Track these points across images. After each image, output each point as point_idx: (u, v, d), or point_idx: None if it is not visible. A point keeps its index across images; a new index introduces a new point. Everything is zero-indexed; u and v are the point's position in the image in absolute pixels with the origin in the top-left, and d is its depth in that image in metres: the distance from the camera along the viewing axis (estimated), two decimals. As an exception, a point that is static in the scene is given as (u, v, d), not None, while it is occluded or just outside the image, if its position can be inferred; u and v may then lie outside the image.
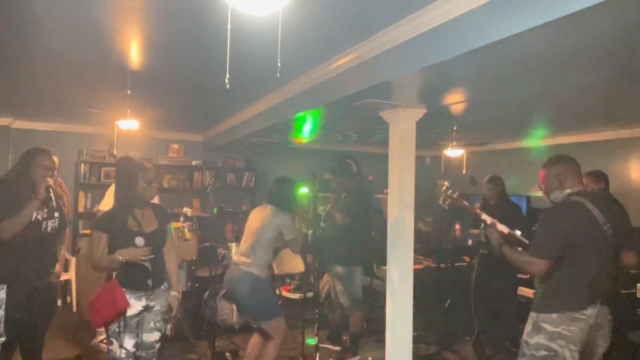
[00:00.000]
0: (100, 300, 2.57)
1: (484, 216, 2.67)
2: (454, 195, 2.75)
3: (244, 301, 3.40)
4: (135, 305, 2.62)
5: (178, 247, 4.18)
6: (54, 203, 3.09)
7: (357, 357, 4.25)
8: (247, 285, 3.31)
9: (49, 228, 3.04)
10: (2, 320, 2.85)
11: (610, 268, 2.42)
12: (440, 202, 2.79)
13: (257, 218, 3.50)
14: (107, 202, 4.30)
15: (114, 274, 2.68)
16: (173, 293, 2.79)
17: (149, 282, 2.62)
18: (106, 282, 2.68)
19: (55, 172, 3.12)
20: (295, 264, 5.49)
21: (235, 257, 3.55)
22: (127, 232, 2.58)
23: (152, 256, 2.58)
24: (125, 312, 2.56)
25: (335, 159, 4.33)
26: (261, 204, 3.66)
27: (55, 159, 3.11)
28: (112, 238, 2.55)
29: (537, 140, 6.76)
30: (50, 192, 3.01)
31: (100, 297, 2.58)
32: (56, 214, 3.10)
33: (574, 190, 2.43)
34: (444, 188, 2.77)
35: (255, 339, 3.52)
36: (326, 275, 4.85)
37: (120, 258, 2.52)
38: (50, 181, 2.98)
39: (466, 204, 2.82)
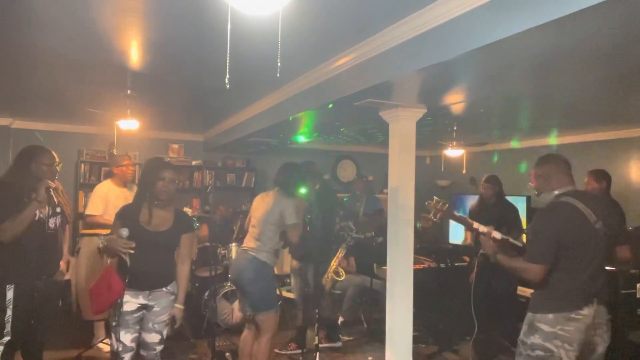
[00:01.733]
0: (98, 287, 2.62)
1: (476, 225, 2.66)
2: (444, 208, 2.75)
3: (246, 287, 3.38)
4: (131, 301, 2.63)
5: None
6: (55, 200, 3.08)
7: (300, 351, 4.26)
8: (253, 271, 3.32)
9: (51, 225, 3.04)
10: (10, 319, 2.85)
11: (605, 265, 2.42)
12: (431, 216, 2.78)
13: (261, 204, 3.52)
14: (93, 207, 4.23)
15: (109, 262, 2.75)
16: (177, 306, 2.80)
17: (125, 278, 2.57)
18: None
19: (58, 168, 3.10)
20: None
21: (243, 243, 3.56)
22: (135, 225, 2.64)
23: (131, 251, 2.55)
24: (120, 300, 2.57)
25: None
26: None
27: (54, 154, 3.09)
28: (123, 227, 2.61)
29: (538, 140, 6.75)
30: (50, 191, 3.01)
31: (98, 283, 2.64)
32: (58, 210, 3.10)
33: (562, 191, 2.43)
34: (434, 202, 2.77)
35: (246, 334, 3.53)
36: (326, 275, 4.87)
37: (104, 243, 2.62)
38: (51, 184, 2.97)
39: (457, 215, 2.82)
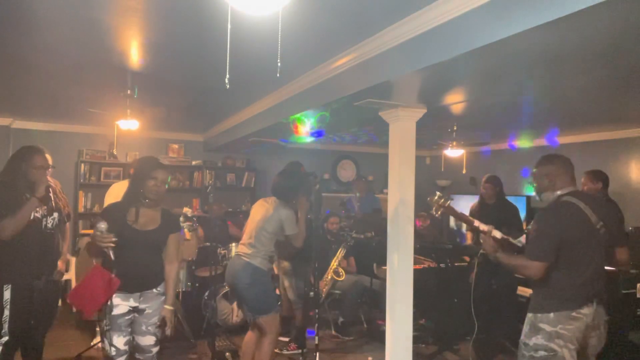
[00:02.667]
0: (86, 287, 2.55)
1: (477, 223, 2.65)
2: (446, 204, 2.74)
3: (243, 292, 3.37)
4: (122, 304, 2.57)
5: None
6: (53, 199, 3.08)
7: (300, 351, 4.25)
8: (248, 276, 3.30)
9: (49, 225, 3.04)
10: (7, 320, 2.84)
11: (604, 266, 2.43)
12: (433, 211, 2.77)
13: (260, 210, 3.49)
14: (109, 203, 4.30)
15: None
16: (166, 307, 2.72)
17: (113, 272, 2.52)
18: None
19: (50, 170, 3.08)
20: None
21: (237, 248, 3.54)
22: (122, 224, 2.58)
23: (112, 245, 2.49)
24: (110, 303, 2.53)
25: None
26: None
27: (47, 156, 3.08)
28: (109, 227, 2.53)
29: (537, 140, 6.75)
30: (49, 190, 3.01)
31: (84, 283, 2.58)
32: (55, 209, 3.09)
33: (565, 191, 2.43)
34: (436, 197, 2.77)
35: (249, 336, 3.52)
36: (326, 275, 4.87)
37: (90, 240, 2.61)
38: (51, 181, 2.97)
39: (458, 212, 2.81)
